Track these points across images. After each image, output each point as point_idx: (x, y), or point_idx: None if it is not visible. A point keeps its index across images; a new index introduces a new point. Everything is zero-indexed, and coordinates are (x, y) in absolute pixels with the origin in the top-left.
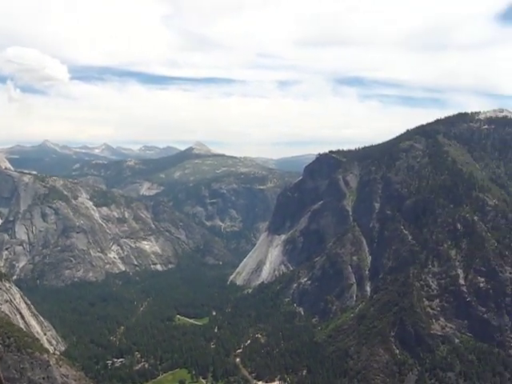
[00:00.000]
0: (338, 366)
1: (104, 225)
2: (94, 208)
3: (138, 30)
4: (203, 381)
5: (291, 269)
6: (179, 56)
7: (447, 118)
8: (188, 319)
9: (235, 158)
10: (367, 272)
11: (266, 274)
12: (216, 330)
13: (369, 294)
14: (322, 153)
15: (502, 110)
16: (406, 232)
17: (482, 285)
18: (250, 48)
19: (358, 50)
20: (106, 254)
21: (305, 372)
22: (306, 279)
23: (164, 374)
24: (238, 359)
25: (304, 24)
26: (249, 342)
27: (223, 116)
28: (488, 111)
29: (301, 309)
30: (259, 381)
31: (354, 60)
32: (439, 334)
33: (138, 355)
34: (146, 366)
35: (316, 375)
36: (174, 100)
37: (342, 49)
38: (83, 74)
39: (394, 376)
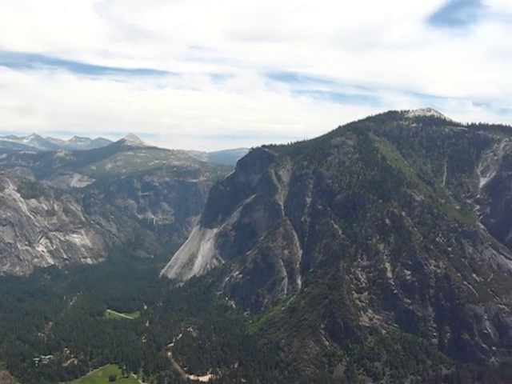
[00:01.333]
0: (270, 358)
1: (32, 217)
2: (22, 200)
3: (69, 17)
4: (134, 376)
5: (223, 262)
6: (112, 46)
7: (378, 116)
8: (119, 313)
9: (168, 150)
10: (298, 265)
11: (197, 267)
12: (147, 324)
13: (300, 287)
14: (254, 147)
15: (429, 110)
16: (337, 226)
17: (408, 277)
18: (185, 40)
19: (291, 46)
20: (34, 248)
21: (236, 365)
22: (237, 273)
23: (94, 370)
24: (169, 353)
25: (239, 18)
26: (180, 335)
27: (156, 108)
28: (416, 110)
29: (232, 302)
30: (191, 374)
31: (288, 56)
32: (367, 325)
33: (67, 351)
34: (76, 362)
35: (247, 368)
36: (106, 90)
37: (276, 44)
38: (10, 60)
39: (323, 367)
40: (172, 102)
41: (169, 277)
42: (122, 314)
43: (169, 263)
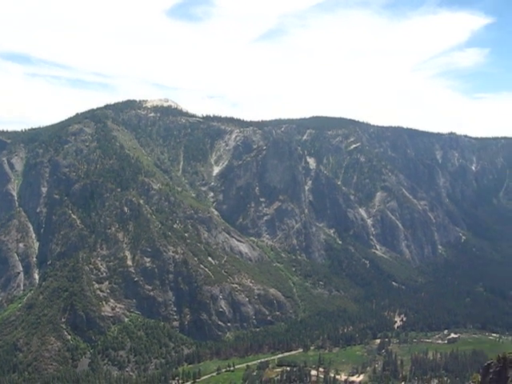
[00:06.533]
0: (7, 360)
1: None
2: None
3: None
4: None
5: None
6: None
7: (116, 104)
8: None
9: None
10: (35, 259)
11: None
12: None
13: (37, 281)
14: None
15: (167, 100)
16: (75, 216)
17: (148, 264)
18: None
19: (26, 28)
20: None
21: None
22: None
23: None
24: None
25: None
26: None
27: None
28: (154, 100)
29: None
30: None
31: (19, 36)
32: (110, 315)
33: None
34: None
35: None
36: None
37: (7, 24)
38: None
39: (67, 362)
40: None
41: None
42: None
43: None
